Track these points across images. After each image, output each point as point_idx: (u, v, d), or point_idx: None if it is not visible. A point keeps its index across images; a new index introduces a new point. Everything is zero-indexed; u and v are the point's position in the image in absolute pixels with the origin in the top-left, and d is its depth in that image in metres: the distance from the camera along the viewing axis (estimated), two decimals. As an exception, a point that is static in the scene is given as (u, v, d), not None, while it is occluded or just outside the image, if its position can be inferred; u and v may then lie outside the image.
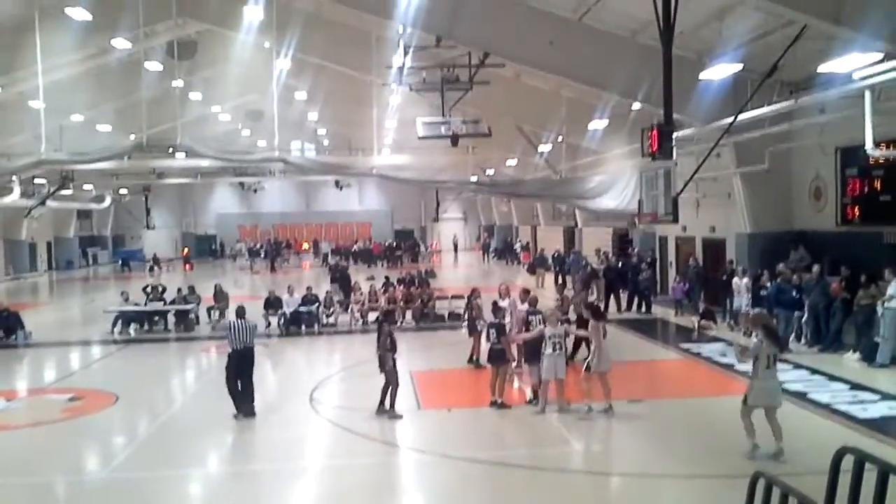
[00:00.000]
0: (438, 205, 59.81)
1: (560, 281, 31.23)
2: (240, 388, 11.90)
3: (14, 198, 40.90)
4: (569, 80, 21.05)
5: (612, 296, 23.42)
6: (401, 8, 17.98)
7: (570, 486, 8.97)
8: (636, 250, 26.33)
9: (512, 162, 35.88)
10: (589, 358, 11.74)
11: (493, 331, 12.50)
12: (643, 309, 22.77)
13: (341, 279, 25.89)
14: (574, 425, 11.34)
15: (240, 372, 11.90)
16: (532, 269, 34.64)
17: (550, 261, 32.99)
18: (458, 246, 58.59)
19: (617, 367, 15.83)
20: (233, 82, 35.05)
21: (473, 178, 30.86)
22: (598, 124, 23.97)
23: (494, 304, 13.81)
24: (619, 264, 24.60)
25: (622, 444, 10.71)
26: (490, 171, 38.53)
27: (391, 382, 11.75)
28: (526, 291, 14.78)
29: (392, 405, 11.74)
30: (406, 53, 19.93)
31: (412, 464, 10.09)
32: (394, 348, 11.83)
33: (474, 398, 13.36)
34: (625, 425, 11.57)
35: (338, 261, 31.96)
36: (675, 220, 14.40)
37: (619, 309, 23.08)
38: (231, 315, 13.51)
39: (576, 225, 36.26)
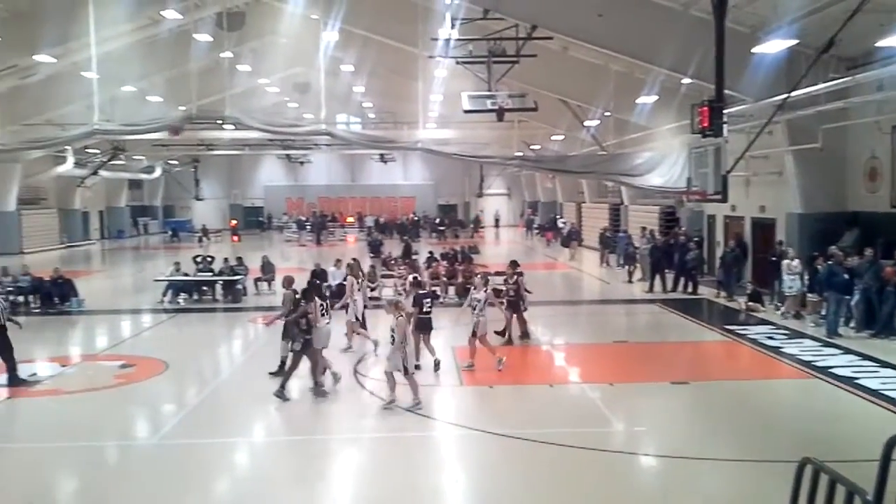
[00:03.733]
0: (482, 180, 59.63)
1: (604, 259, 31.12)
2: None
3: (68, 167, 42.07)
4: (618, 53, 20.71)
5: (657, 275, 23.16)
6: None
7: (610, 466, 8.96)
8: (683, 229, 25.95)
9: (558, 137, 35.54)
10: None
11: (427, 301, 13.53)
12: (689, 289, 22.46)
13: (406, 250, 27.69)
14: (617, 405, 11.31)
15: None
16: (566, 243, 36.49)
17: (580, 235, 33.97)
18: (499, 221, 58.35)
19: (661, 347, 15.87)
20: (280, 54, 35.25)
21: (518, 154, 30.59)
22: (646, 99, 23.60)
23: (415, 278, 15.36)
24: (666, 243, 24.25)
25: (665, 426, 10.63)
26: (535, 147, 38.22)
27: (305, 361, 11.73)
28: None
29: (283, 385, 11.63)
30: (453, 26, 19.78)
31: (453, 438, 10.14)
32: (309, 330, 11.79)
33: (517, 375, 13.43)
34: (668, 407, 11.52)
35: (405, 239, 33.19)
36: (725, 199, 14.14)
37: (664, 289, 22.81)
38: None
39: (622, 202, 35.87)
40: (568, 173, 31.05)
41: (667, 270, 23.23)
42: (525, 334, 15.90)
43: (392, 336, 11.08)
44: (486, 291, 13.82)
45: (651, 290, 22.97)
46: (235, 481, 8.91)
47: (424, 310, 13.39)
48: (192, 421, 11.06)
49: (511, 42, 19.39)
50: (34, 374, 13.61)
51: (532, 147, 37.38)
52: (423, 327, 13.41)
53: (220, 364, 15.21)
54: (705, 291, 22.17)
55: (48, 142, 29.09)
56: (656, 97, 23.18)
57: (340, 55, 32.59)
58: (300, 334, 11.73)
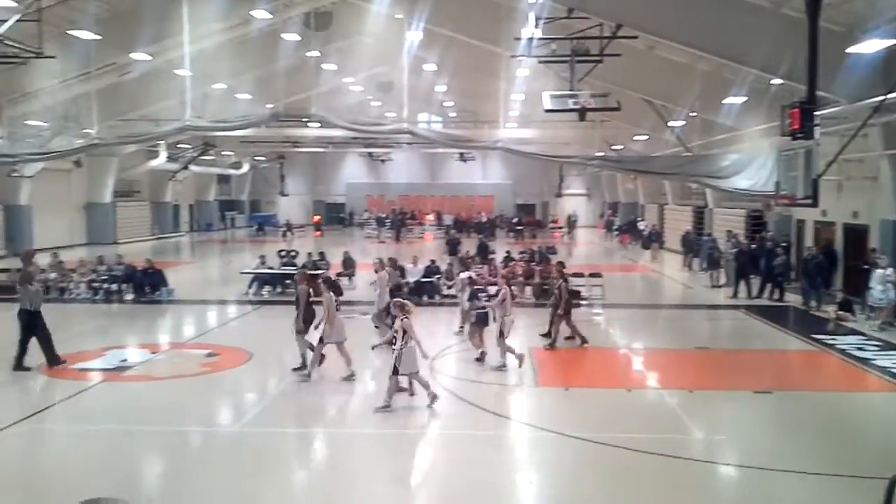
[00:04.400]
0: (562, 180, 59.15)
1: (687, 263, 30.46)
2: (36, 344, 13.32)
3: (160, 161, 43.87)
4: (705, 53, 20.24)
5: (742, 281, 22.51)
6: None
7: (688, 474, 8.78)
8: (770, 234, 25.15)
9: (641, 137, 34.97)
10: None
11: (483, 295, 14.38)
12: (775, 296, 21.76)
13: (481, 249, 28.02)
14: (696, 412, 11.09)
15: (31, 329, 13.28)
16: (647, 245, 37.26)
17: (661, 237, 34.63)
18: (576, 222, 57.38)
19: (744, 355, 15.45)
20: (365, 53, 35.81)
21: (599, 154, 30.24)
22: (734, 100, 22.99)
23: (470, 277, 16.02)
24: (752, 248, 23.54)
25: (746, 436, 10.36)
26: (617, 147, 37.71)
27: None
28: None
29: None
30: (536, 25, 19.70)
31: (527, 439, 10.14)
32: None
33: (593, 378, 13.33)
34: (750, 417, 11.23)
35: (482, 238, 33.50)
36: (815, 203, 13.68)
37: (749, 295, 22.16)
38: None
39: (706, 205, 35.05)
40: (650, 174, 30.51)
41: (752, 276, 22.56)
42: (553, 340, 15.26)
43: (394, 337, 11.09)
44: (503, 291, 13.62)
45: (735, 295, 22.35)
46: (313, 470, 9.17)
47: (481, 304, 14.13)
48: (274, 410, 11.41)
49: (595, 41, 19.19)
50: (125, 360, 14.22)
51: (614, 147, 36.88)
52: (481, 322, 14.02)
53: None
54: (792, 299, 21.43)
55: (143, 137, 30.32)
56: (744, 98, 22.55)
57: (423, 55, 32.89)
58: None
